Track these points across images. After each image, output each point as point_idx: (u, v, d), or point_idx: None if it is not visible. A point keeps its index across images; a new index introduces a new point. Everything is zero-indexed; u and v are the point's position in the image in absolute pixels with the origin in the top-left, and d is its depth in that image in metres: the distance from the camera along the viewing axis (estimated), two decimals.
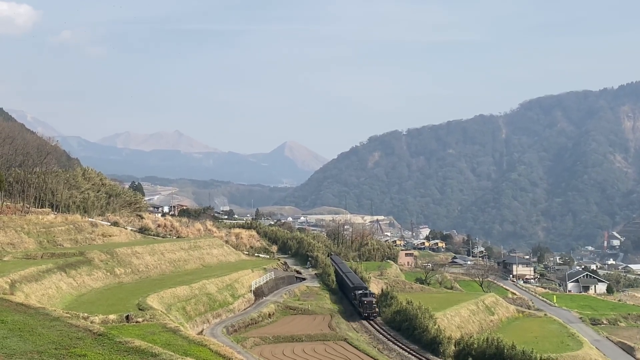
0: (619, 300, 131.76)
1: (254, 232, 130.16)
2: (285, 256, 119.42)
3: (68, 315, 31.64)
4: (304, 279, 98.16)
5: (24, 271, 51.37)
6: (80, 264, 63.21)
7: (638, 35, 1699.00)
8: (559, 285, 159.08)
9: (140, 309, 47.74)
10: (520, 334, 78.35)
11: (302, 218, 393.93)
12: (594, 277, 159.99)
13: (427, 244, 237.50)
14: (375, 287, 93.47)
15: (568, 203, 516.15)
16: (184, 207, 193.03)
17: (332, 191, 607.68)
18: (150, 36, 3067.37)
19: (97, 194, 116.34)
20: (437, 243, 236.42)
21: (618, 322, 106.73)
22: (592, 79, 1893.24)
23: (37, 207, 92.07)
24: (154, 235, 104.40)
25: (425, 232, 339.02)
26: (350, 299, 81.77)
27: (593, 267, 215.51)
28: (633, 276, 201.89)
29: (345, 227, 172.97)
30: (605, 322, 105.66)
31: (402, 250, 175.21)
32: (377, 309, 74.41)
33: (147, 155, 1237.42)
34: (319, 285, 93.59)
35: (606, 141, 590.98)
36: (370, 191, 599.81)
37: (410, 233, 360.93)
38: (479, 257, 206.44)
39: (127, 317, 42.40)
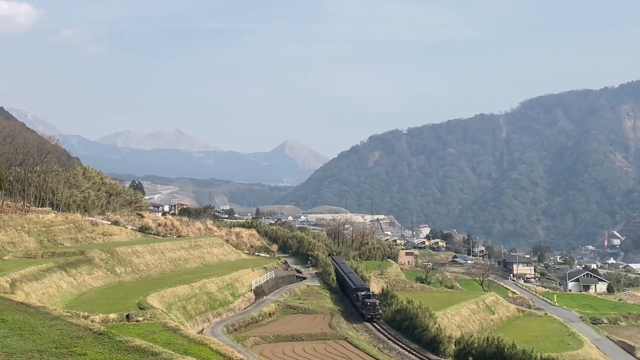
0: (620, 300, 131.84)
1: (254, 231, 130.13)
2: (286, 255, 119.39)
3: (68, 314, 31.64)
4: (304, 278, 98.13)
5: (25, 270, 51.36)
6: (81, 263, 63.22)
7: (638, 34, 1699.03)
8: (560, 285, 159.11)
9: (140, 308, 47.74)
10: (520, 333, 78.39)
11: (302, 217, 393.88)
12: (594, 277, 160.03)
13: (427, 243, 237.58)
14: (375, 287, 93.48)
15: (568, 202, 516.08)
16: (185, 206, 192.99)
17: (332, 190, 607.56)
18: (150, 35, 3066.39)
19: (98, 193, 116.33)
20: (437, 242, 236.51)
21: (618, 322, 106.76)
22: (592, 78, 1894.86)
23: (38, 206, 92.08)
24: (154, 234, 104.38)
25: (426, 231, 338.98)
26: (352, 300, 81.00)
27: (593, 266, 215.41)
28: (633, 275, 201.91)
29: (345, 226, 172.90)
30: (605, 321, 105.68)
31: (403, 249, 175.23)
32: (380, 311, 73.72)
33: (147, 154, 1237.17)
34: (319, 284, 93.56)
35: (607, 140, 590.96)
36: (370, 190, 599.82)
37: (410, 232, 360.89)
38: (480, 256, 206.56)
39: (127, 316, 42.43)
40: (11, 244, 68.05)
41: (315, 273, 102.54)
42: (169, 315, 48.15)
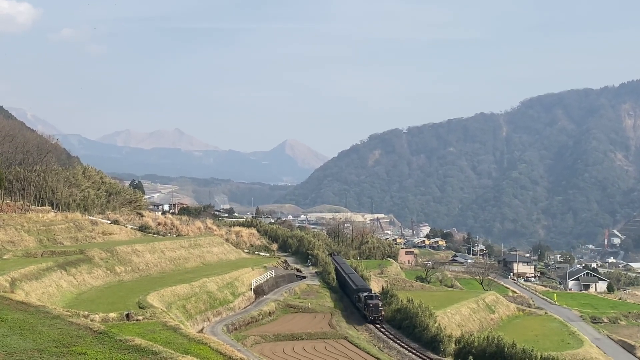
0: (620, 299, 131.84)
1: (254, 230, 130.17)
2: (286, 254, 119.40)
3: (68, 313, 31.61)
4: (304, 277, 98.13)
5: (24, 269, 51.32)
6: (81, 262, 63.18)
7: (639, 33, 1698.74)
8: (560, 284, 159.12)
9: (140, 307, 47.70)
10: (520, 333, 78.39)
11: (302, 216, 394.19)
12: (594, 276, 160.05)
13: (427, 242, 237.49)
14: (375, 286, 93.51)
15: (569, 201, 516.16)
16: (184, 205, 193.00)
17: (332, 189, 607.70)
18: (150, 34, 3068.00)
19: (97, 192, 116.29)
20: (437, 241, 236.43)
21: (618, 321, 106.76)
22: (593, 77, 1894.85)
23: (37, 205, 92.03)
24: (154, 233, 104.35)
25: (426, 230, 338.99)
26: (353, 301, 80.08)
27: (593, 265, 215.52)
28: (633, 274, 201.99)
29: (345, 225, 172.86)
30: (605, 320, 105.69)
31: (403, 248, 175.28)
32: (383, 313, 72.76)
33: (147, 153, 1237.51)
34: (319, 283, 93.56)
35: (607, 139, 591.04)
36: (370, 189, 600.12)
37: (410, 231, 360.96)
38: (480, 255, 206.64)
39: (127, 315, 42.38)
40: (11, 243, 68.01)
41: (315, 272, 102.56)
42: (169, 315, 48.10)
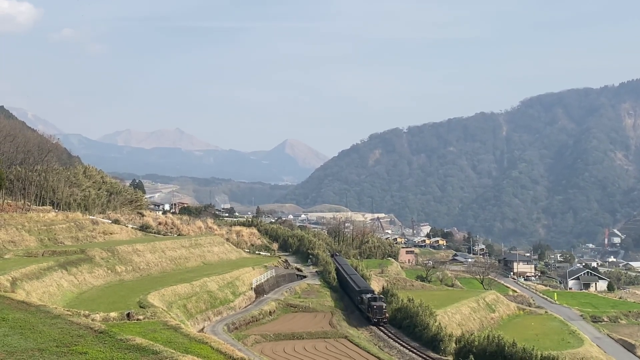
0: (620, 298, 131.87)
1: (254, 230, 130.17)
2: (286, 254, 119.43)
3: (69, 312, 31.65)
4: (304, 277, 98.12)
5: (25, 269, 51.35)
6: (81, 261, 63.22)
7: (639, 33, 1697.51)
8: (560, 283, 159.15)
9: (141, 307, 47.74)
10: (521, 332, 78.39)
11: (302, 216, 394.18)
12: (594, 275, 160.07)
13: (427, 241, 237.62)
14: (376, 285, 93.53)
15: (569, 200, 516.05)
16: (185, 205, 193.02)
17: (332, 189, 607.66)
18: (151, 34, 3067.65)
19: (98, 191, 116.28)
20: (437, 241, 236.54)
21: (619, 320, 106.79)
22: (593, 77, 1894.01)
23: (38, 205, 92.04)
24: (154, 232, 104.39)
25: (426, 229, 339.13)
26: (355, 303, 79.27)
27: (594, 264, 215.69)
28: (634, 274, 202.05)
29: (346, 224, 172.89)
30: (606, 319, 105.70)
31: (403, 247, 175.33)
32: (387, 314, 71.64)
33: (148, 153, 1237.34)
34: (319, 282, 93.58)
35: (607, 139, 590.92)
36: (371, 189, 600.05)
37: (411, 231, 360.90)
38: (480, 254, 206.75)
39: (128, 314, 42.44)
40: (12, 243, 68.05)
41: (316, 271, 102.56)
42: (170, 314, 48.15)
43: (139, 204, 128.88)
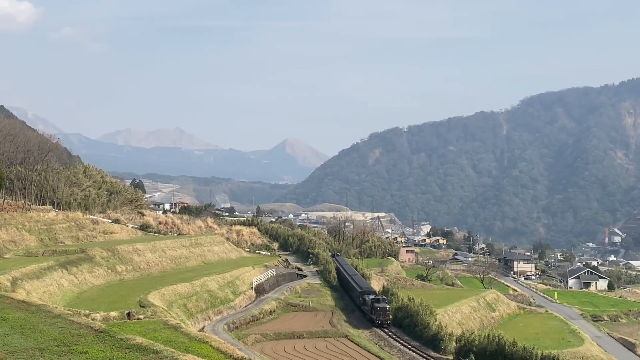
0: (620, 297, 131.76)
1: (255, 229, 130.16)
2: (286, 253, 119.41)
3: (69, 312, 31.67)
4: (305, 276, 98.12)
5: (26, 268, 51.37)
6: (82, 261, 63.24)
7: (639, 32, 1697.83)
8: (560, 282, 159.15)
9: (141, 306, 47.74)
10: (521, 331, 78.39)
11: (303, 215, 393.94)
12: (595, 274, 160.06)
13: (428, 240, 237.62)
14: (376, 284, 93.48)
15: (569, 199, 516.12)
16: (185, 204, 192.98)
17: (333, 188, 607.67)
18: (151, 33, 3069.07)
19: (98, 191, 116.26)
20: (438, 240, 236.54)
21: (619, 319, 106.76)
22: (593, 76, 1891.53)
23: (38, 205, 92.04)
24: (155, 232, 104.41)
25: (426, 228, 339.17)
26: (357, 304, 78.22)
27: (594, 263, 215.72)
28: (634, 272, 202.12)
29: (346, 224, 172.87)
30: (606, 318, 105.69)
31: (403, 247, 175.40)
32: (390, 316, 70.37)
33: (148, 152, 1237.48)
34: (320, 282, 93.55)
35: (607, 138, 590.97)
36: (371, 188, 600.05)
37: (411, 230, 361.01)
38: (480, 253, 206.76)
39: (128, 314, 42.44)
40: (12, 243, 68.08)
41: (316, 271, 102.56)
42: (170, 313, 48.17)
43: (139, 203, 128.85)
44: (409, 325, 69.21)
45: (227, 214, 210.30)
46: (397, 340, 64.92)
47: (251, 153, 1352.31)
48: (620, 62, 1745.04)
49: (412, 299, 74.81)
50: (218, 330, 56.76)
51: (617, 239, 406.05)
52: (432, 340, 64.90)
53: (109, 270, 66.32)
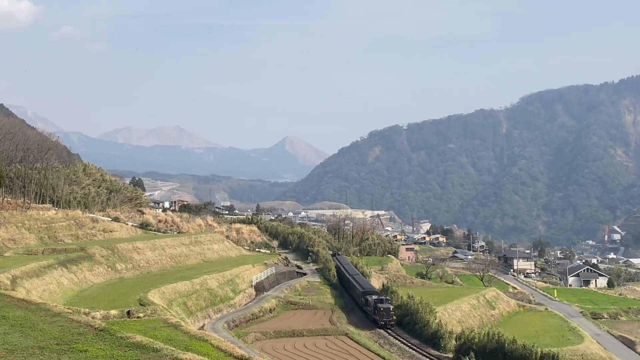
0: (620, 294, 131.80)
1: (254, 227, 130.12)
2: (286, 251, 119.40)
3: (69, 310, 31.69)
4: (304, 274, 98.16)
5: (25, 267, 51.38)
6: (81, 259, 63.25)
7: (639, 29, 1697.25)
8: (560, 280, 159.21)
9: (141, 305, 47.76)
10: (521, 328, 78.38)
11: (302, 213, 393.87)
12: (594, 272, 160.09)
13: (427, 238, 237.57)
14: (376, 282, 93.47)
15: (569, 197, 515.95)
16: (185, 203, 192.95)
17: (332, 186, 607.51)
18: (150, 32, 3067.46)
19: (98, 189, 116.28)
20: (437, 238, 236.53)
21: (619, 316, 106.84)
22: (592, 73, 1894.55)
23: (38, 203, 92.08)
24: (154, 230, 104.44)
25: (426, 226, 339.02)
26: (359, 304, 77.26)
27: (594, 261, 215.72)
28: (634, 270, 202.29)
29: (346, 222, 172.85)
30: (606, 316, 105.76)
31: (403, 244, 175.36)
32: (394, 317, 69.35)
33: (147, 150, 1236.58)
34: (319, 280, 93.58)
35: (607, 135, 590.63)
36: (370, 186, 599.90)
37: (411, 228, 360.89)
38: (480, 251, 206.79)
39: (128, 312, 42.43)
40: (12, 241, 68.10)
41: (316, 269, 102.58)
42: (170, 312, 48.19)
43: (138, 201, 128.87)
44: (408, 323, 69.24)
45: (226, 212, 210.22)
46: (397, 338, 64.94)
47: (251, 151, 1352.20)
48: (619, 59, 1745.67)
49: (412, 297, 74.82)
50: (218, 329, 56.77)
51: (616, 236, 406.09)
52: (432, 338, 64.94)
53: (109, 269, 66.34)
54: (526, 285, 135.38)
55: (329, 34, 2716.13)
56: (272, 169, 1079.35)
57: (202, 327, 55.25)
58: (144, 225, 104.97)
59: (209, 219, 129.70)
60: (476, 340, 58.82)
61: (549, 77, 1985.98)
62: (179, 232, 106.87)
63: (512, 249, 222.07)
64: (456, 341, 62.50)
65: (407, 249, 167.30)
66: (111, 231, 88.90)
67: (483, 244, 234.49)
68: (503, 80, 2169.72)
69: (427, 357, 59.58)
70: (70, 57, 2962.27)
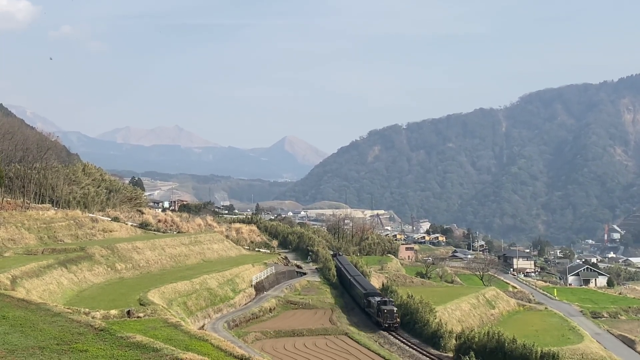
0: (620, 294, 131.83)
1: (254, 227, 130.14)
2: (286, 251, 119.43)
3: (69, 310, 31.66)
4: (304, 274, 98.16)
5: (25, 267, 51.35)
6: (81, 259, 63.23)
7: (638, 28, 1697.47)
8: (560, 279, 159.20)
9: (141, 304, 47.74)
10: (521, 328, 78.37)
11: (302, 213, 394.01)
12: (594, 271, 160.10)
13: (427, 238, 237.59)
14: (376, 282, 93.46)
15: (568, 196, 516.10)
16: (184, 202, 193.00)
17: (332, 186, 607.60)
18: (150, 31, 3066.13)
19: (98, 189, 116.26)
20: (437, 237, 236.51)
21: (619, 315, 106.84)
22: (592, 72, 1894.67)
23: (38, 203, 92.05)
24: (154, 230, 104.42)
25: (426, 226, 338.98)
26: (362, 306, 76.25)
27: (593, 260, 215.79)
28: (633, 269, 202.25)
29: (345, 221, 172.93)
30: (605, 315, 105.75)
31: (403, 244, 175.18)
32: (398, 319, 67.48)
33: (147, 150, 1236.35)
34: (319, 279, 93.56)
35: (606, 134, 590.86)
36: (370, 185, 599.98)
37: (410, 227, 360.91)
38: (480, 250, 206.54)
39: (128, 312, 42.42)
40: (11, 241, 68.07)
41: (316, 268, 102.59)
42: (170, 311, 48.17)
43: (138, 201, 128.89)
44: (408, 322, 69.19)
45: (226, 211, 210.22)
46: (397, 338, 64.89)
47: (250, 151, 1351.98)
48: (619, 58, 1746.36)
49: (412, 296, 74.77)
50: (218, 328, 56.75)
51: (616, 235, 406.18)
52: (432, 338, 64.90)
53: (109, 269, 66.31)
54: (526, 284, 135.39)
55: (329, 34, 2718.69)
56: (271, 169, 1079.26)
57: (202, 327, 55.22)
58: (144, 225, 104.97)
59: (209, 218, 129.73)
60: (476, 339, 58.77)
61: (548, 76, 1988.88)
62: (178, 232, 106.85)
63: (511, 248, 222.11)
64: (456, 340, 62.46)
65: (407, 249, 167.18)
66: (111, 231, 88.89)
67: (483, 243, 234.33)
68: (502, 80, 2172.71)
69: (427, 356, 59.51)
70: (69, 56, 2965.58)
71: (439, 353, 61.41)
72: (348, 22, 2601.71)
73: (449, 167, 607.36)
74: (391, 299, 71.64)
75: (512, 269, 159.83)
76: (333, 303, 79.46)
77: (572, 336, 77.65)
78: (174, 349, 22.12)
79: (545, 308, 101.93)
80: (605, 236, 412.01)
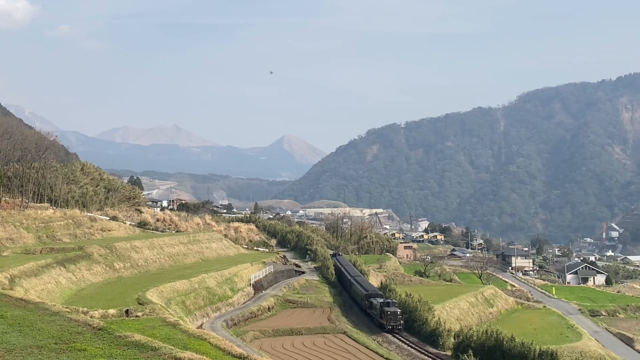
0: (618, 292, 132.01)
1: (253, 226, 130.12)
2: (285, 250, 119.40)
3: (67, 310, 31.64)
4: (303, 273, 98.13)
5: (23, 266, 51.32)
6: (80, 258, 63.19)
7: (637, 27, 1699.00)
8: (558, 277, 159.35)
9: (139, 304, 47.72)
10: (519, 326, 78.46)
11: (300, 212, 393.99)
12: (592, 269, 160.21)
13: (426, 236, 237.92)
14: (374, 281, 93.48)
15: (566, 195, 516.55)
16: (183, 201, 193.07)
17: (330, 184, 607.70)
18: (148, 30, 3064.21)
19: (96, 188, 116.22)
20: (435, 236, 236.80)
21: (617, 314, 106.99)
22: (590, 71, 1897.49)
23: (36, 202, 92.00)
24: (153, 229, 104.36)
25: (424, 224, 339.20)
26: (363, 307, 75.32)
27: (592, 258, 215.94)
28: (632, 267, 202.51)
29: (344, 220, 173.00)
30: (604, 313, 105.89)
31: (401, 243, 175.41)
32: (402, 320, 66.67)
33: (145, 149, 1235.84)
34: (318, 278, 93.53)
35: (604, 133, 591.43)
36: (368, 184, 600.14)
37: (409, 226, 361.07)
38: (478, 249, 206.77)
39: (126, 311, 42.39)
40: (10, 240, 68.04)
41: (314, 267, 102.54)
42: (168, 311, 48.16)
43: (136, 200, 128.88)
44: (407, 321, 69.24)
45: (224, 210, 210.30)
46: (395, 336, 64.95)
47: (249, 150, 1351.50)
48: (617, 57, 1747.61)
49: (410, 295, 74.78)
50: (216, 327, 56.74)
51: (614, 234, 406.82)
52: (431, 336, 64.99)
53: (107, 268, 66.27)
54: (524, 282, 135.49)
55: (327, 32, 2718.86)
56: (270, 168, 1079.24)
57: (200, 326, 55.22)
58: (142, 224, 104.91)
59: (207, 217, 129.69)
60: (474, 338, 58.82)
61: (546, 75, 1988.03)
62: (177, 231, 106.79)
63: (510, 246, 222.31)
64: (455, 339, 62.53)
65: (405, 247, 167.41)
66: (109, 230, 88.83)
67: (481, 241, 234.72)
68: (500, 78, 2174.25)
69: (425, 355, 59.58)
70: (67, 55, 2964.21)
71: (438, 352, 61.48)
72: (345, 20, 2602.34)
73: (447, 166, 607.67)
74: (394, 301, 70.56)
75: (510, 268, 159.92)
76: (332, 302, 79.45)
77: (570, 334, 77.75)
78: (173, 348, 22.12)
79: (544, 306, 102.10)
80: (604, 234, 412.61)
